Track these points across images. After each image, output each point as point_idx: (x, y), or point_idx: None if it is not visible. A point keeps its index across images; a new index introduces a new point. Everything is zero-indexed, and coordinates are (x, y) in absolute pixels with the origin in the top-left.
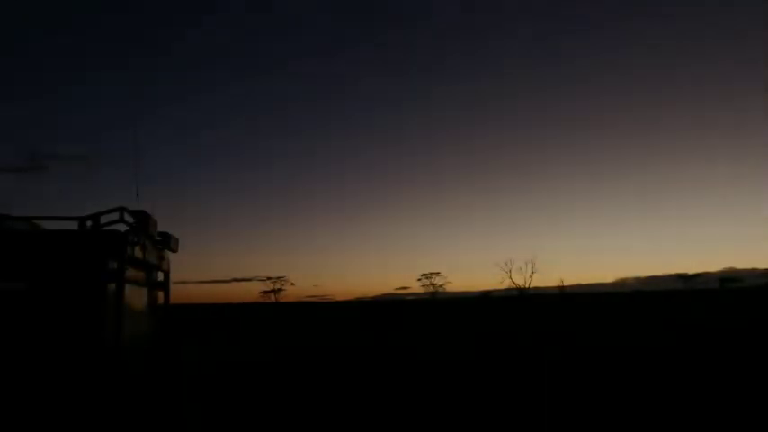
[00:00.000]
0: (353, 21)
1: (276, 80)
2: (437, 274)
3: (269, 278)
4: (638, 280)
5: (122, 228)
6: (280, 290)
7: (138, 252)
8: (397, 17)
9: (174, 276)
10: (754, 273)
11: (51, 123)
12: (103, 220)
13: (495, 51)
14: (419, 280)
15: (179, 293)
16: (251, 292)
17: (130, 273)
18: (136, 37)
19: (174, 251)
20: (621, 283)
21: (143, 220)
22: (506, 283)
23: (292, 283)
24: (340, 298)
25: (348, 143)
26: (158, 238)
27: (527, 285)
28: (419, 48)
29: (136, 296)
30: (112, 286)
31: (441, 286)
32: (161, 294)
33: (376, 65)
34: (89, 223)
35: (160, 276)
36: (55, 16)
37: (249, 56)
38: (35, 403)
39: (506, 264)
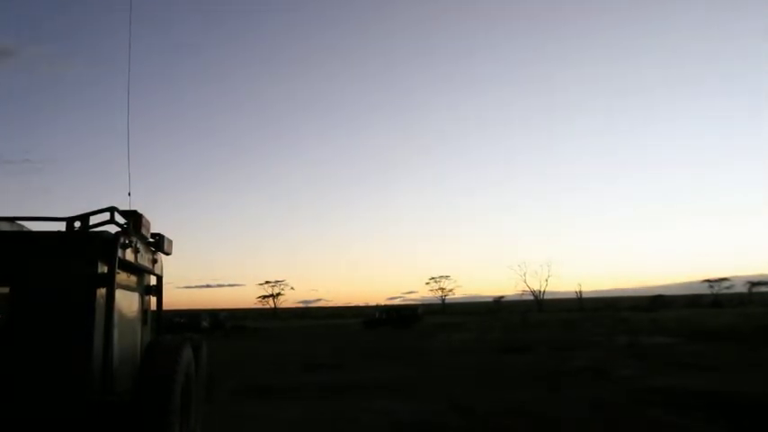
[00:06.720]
0: None
1: (273, 81)
2: (446, 277)
3: (267, 282)
4: (664, 285)
5: (113, 229)
6: (279, 294)
7: (129, 255)
8: None
9: (166, 280)
10: None
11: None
12: (93, 220)
13: (499, 48)
14: (427, 284)
15: (173, 298)
16: (247, 296)
17: (121, 277)
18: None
19: (168, 254)
20: (644, 287)
21: (135, 221)
22: (520, 288)
23: (292, 287)
24: (341, 303)
25: (352, 141)
26: (151, 240)
27: (542, 290)
28: (421, 50)
29: (127, 301)
30: (102, 291)
31: (450, 291)
32: (153, 299)
33: (377, 68)
34: (78, 224)
35: (153, 280)
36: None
37: (247, 56)
38: (19, 416)
39: (520, 267)
